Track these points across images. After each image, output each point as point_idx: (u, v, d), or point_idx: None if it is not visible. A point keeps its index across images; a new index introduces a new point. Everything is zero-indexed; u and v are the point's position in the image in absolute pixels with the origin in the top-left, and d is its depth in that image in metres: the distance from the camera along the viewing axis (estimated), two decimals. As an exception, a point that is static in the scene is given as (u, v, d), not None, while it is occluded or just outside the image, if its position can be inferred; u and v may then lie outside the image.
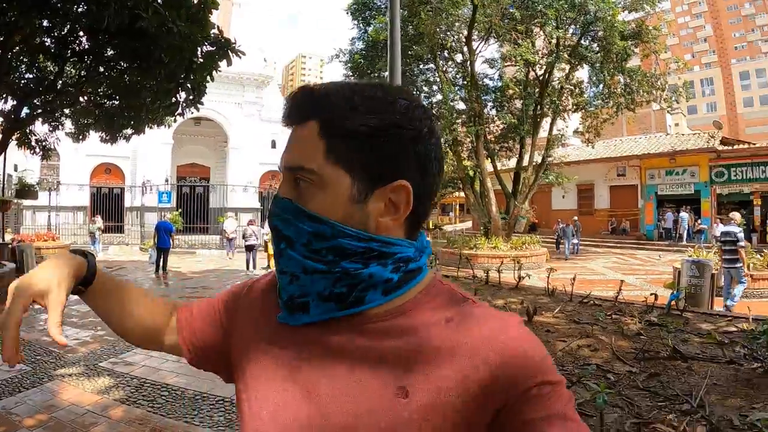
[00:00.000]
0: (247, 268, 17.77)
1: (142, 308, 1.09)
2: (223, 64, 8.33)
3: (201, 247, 26.41)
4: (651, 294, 7.10)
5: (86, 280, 0.98)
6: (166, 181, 30.79)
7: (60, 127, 12.86)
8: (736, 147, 28.96)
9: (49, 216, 27.31)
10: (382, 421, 0.76)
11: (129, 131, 11.44)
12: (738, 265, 10.13)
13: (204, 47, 8.18)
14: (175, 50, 7.72)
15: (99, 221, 23.41)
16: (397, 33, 8.03)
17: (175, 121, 10.51)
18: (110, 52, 8.86)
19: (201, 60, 8.16)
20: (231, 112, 33.87)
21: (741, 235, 10.35)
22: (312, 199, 0.82)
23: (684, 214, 27.05)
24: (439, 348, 0.79)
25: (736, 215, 11.25)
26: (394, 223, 0.85)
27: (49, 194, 26.76)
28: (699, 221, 27.18)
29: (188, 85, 8.51)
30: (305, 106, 0.85)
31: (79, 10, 7.83)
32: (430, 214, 0.92)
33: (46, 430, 4.63)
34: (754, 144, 30.74)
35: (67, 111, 11.44)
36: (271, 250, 17.70)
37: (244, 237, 18.39)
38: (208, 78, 8.54)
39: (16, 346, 0.82)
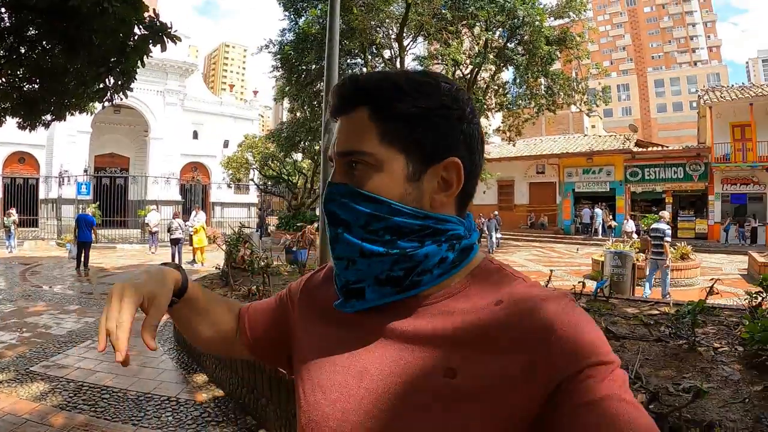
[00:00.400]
0: (173, 262, 17.01)
1: (220, 316, 1.15)
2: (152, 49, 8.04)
3: (121, 241, 25.25)
4: (579, 282, 7.43)
5: (180, 292, 1.04)
6: (85, 171, 29.42)
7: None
8: (650, 149, 30.78)
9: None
10: (429, 401, 0.77)
11: (49, 117, 10.90)
12: (663, 257, 11.08)
13: (138, 30, 7.89)
14: (108, 33, 7.42)
15: (14, 214, 22.17)
16: (336, 27, 8.01)
17: (103, 107, 10.13)
18: (33, 32, 8.38)
19: (134, 44, 7.86)
20: (153, 101, 32.77)
21: (668, 231, 11.38)
22: (368, 180, 0.85)
23: (599, 211, 28.50)
24: (488, 330, 0.79)
25: (665, 214, 12.51)
26: (447, 200, 0.88)
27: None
28: (611, 218, 28.49)
29: (118, 69, 8.18)
30: (353, 94, 0.88)
31: (5, -16, 7.42)
32: (475, 193, 0.96)
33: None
34: (667, 147, 32.79)
35: (-17, 94, 10.74)
36: (196, 244, 17.23)
37: (169, 230, 17.77)
38: (140, 63, 8.26)
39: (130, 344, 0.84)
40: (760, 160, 26.24)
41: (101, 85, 8.67)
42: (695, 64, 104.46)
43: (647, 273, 11.51)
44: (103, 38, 7.44)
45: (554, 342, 0.74)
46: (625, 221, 22.51)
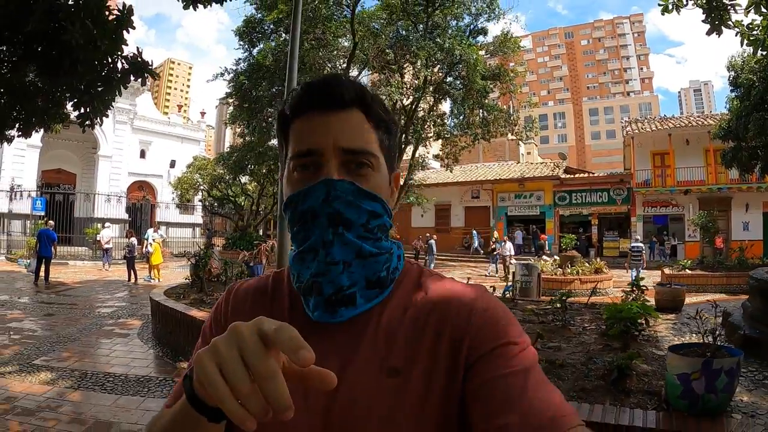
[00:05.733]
0: (129, 279, 17.58)
1: None
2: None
3: (71, 257, 25.16)
4: (490, 286, 8.99)
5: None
6: (40, 187, 29.48)
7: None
8: (577, 176, 33.13)
9: None
10: (379, 405, 0.80)
11: (14, 133, 11.40)
12: (640, 261, 17.34)
13: (120, 64, 8.79)
14: (93, 64, 8.33)
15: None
16: (294, 65, 9.12)
17: (83, 131, 10.68)
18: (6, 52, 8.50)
19: (117, 76, 8.76)
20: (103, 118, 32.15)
21: (643, 246, 18.10)
22: (368, 181, 0.87)
23: (475, 232, 32.18)
24: (418, 319, 0.85)
25: (639, 237, 19.81)
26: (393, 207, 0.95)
27: None
28: (493, 240, 28.39)
29: (105, 97, 9.03)
30: (346, 93, 0.88)
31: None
32: None
33: (18, 416, 5.14)
34: (593, 173, 35.21)
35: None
36: (153, 261, 17.64)
37: (127, 249, 18.17)
38: (117, 93, 9.13)
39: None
40: (678, 184, 28.86)
41: (82, 110, 9.54)
42: (628, 94, 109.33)
43: (631, 271, 16.79)
44: (88, 69, 8.38)
45: (474, 323, 0.82)
46: (504, 243, 22.94)
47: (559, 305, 6.63)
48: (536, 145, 56.18)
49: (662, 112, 34.67)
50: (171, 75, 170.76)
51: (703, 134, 27.17)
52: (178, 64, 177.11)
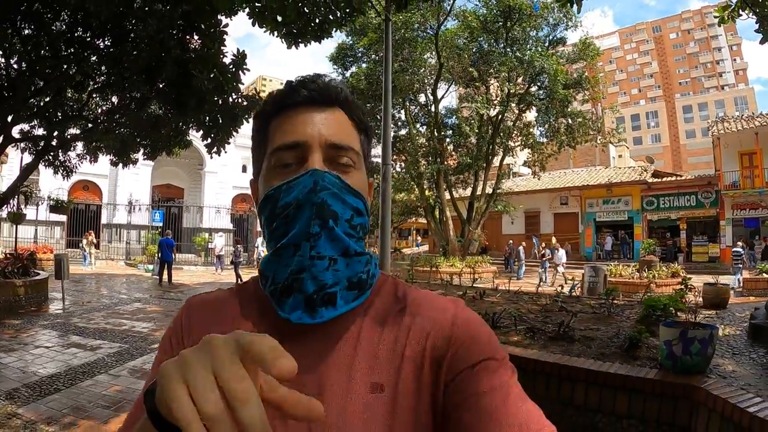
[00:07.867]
0: (238, 281, 19.26)
1: None
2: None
3: (186, 263, 27.72)
4: (559, 285, 10.24)
5: None
6: (157, 200, 32.65)
7: (72, 148, 13.57)
8: (664, 179, 32.68)
9: (36, 230, 27.94)
10: (373, 424, 0.77)
11: (140, 157, 13.26)
12: (740, 265, 18.93)
13: (239, 100, 10.46)
14: (216, 102, 9.99)
15: (93, 237, 25.10)
16: (389, 89, 10.30)
17: (211, 157, 11.84)
18: (135, 91, 9.95)
19: (240, 112, 10.44)
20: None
21: (742, 251, 20.00)
22: (351, 178, 0.86)
23: (609, 239, 32.51)
24: (399, 335, 0.84)
25: (740, 243, 22.08)
26: None
27: (37, 208, 26.13)
28: (543, 246, 28.21)
29: (229, 128, 10.66)
30: (330, 91, 0.88)
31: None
32: None
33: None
34: (680, 176, 34.60)
35: (89, 137, 12.14)
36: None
37: (235, 254, 20.69)
38: (238, 124, 10.79)
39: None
40: (768, 185, 27.48)
41: (209, 140, 11.22)
42: (722, 88, 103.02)
43: (735, 273, 18.55)
44: (211, 106, 10.07)
45: (454, 339, 0.82)
46: (556, 251, 22.71)
47: (607, 297, 8.02)
48: (627, 147, 55.25)
49: (759, 105, 32.75)
50: (263, 91, 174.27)
51: (791, 131, 25.47)
52: (270, 80, 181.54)
